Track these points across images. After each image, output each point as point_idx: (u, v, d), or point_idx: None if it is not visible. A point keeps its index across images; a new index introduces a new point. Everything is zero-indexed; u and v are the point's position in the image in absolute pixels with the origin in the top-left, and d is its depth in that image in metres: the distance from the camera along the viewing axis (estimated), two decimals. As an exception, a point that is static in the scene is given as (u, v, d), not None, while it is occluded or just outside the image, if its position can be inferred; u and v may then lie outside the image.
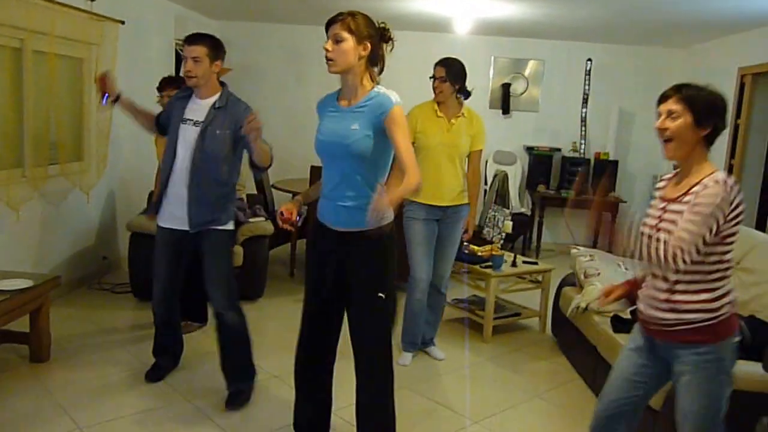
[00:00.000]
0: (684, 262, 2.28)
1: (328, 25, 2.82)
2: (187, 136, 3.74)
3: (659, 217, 2.53)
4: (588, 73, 8.77)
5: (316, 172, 6.16)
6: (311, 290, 3.19)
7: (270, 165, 3.77)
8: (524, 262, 5.62)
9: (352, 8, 2.91)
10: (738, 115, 7.03)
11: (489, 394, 4.33)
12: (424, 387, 4.33)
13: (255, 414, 3.81)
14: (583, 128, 8.83)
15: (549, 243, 9.06)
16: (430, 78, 4.49)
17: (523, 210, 8.50)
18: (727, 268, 2.46)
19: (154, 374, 4.19)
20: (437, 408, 4.06)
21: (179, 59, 7.63)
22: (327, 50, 2.80)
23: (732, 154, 7.07)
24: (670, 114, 2.44)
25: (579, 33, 8.07)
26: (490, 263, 5.18)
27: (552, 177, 8.81)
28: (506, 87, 8.80)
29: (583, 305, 4.51)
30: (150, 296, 5.54)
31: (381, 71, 2.97)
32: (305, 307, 3.24)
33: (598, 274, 4.77)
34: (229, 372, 3.98)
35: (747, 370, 3.11)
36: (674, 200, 2.49)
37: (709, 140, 2.46)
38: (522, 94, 8.95)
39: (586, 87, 8.79)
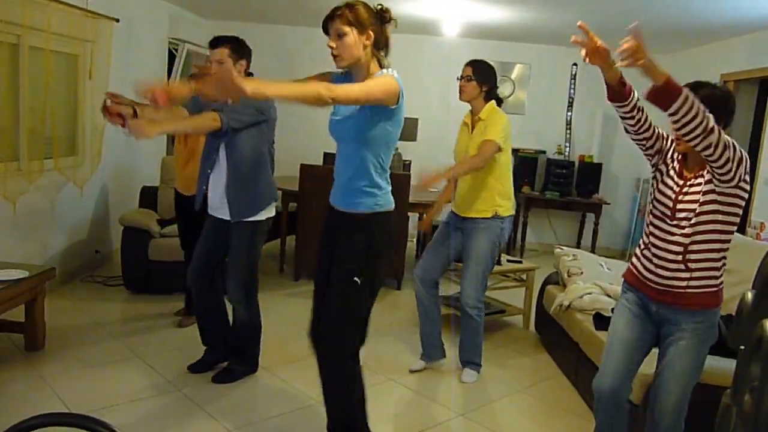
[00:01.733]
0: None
1: (327, 21, 2.82)
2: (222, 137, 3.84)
3: (678, 191, 2.69)
4: (573, 77, 8.90)
5: (306, 171, 6.27)
6: (317, 269, 3.23)
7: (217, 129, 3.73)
8: (509, 260, 5.75)
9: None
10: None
11: (473, 387, 4.42)
12: (410, 379, 4.42)
13: (244, 404, 3.89)
14: (568, 131, 8.97)
15: (533, 243, 9.22)
16: (458, 78, 4.37)
17: (508, 210, 8.58)
18: (730, 232, 2.66)
19: (195, 366, 4.24)
20: (422, 400, 4.16)
21: (172, 57, 7.72)
22: (331, 47, 2.81)
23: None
24: None
25: (565, 38, 8.17)
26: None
27: (537, 179, 8.95)
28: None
29: (566, 303, 4.61)
30: (142, 290, 5.66)
31: (387, 53, 2.97)
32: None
33: (581, 273, 4.89)
34: (224, 351, 4.19)
35: (719, 366, 3.22)
36: (692, 178, 2.67)
37: None
38: (508, 97, 9.08)
39: (572, 91, 8.92)
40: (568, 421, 4.02)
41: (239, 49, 3.83)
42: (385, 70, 2.90)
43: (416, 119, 7.75)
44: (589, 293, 4.52)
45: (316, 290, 3.23)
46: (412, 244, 8.12)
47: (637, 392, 3.36)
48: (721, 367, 3.22)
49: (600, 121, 8.88)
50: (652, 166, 2.86)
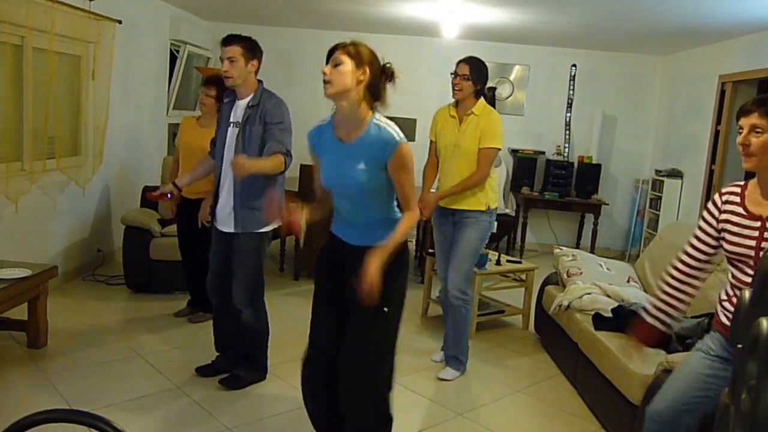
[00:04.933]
0: None
1: (330, 52, 2.76)
2: (231, 139, 3.84)
3: (759, 237, 2.44)
4: (572, 78, 8.92)
5: (306, 171, 6.27)
6: (323, 299, 3.04)
7: (283, 170, 3.83)
8: (508, 261, 5.78)
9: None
10: (719, 122, 7.19)
11: (472, 387, 4.45)
12: (410, 379, 4.44)
13: (244, 403, 3.91)
14: (567, 132, 8.99)
15: (532, 243, 9.25)
16: (451, 74, 4.37)
17: (507, 211, 8.62)
18: None
19: (204, 370, 4.22)
20: (422, 400, 4.18)
21: (174, 59, 7.74)
22: (324, 73, 2.70)
23: (713, 160, 7.24)
24: (753, 128, 2.41)
25: (564, 39, 8.22)
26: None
27: (536, 179, 8.96)
28: (492, 91, 8.92)
29: (565, 303, 4.62)
30: (143, 289, 5.69)
31: (382, 103, 2.85)
32: (312, 305, 3.08)
33: (581, 273, 4.91)
34: (233, 358, 4.15)
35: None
36: None
37: None
38: (507, 98, 9.11)
39: (571, 92, 8.94)
40: (567, 421, 4.04)
41: (252, 48, 3.82)
42: (378, 117, 2.80)
43: (414, 120, 7.77)
44: (589, 293, 4.54)
45: (320, 317, 3.03)
46: (411, 245, 8.14)
47: (637, 392, 3.40)
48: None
49: (599, 122, 8.90)
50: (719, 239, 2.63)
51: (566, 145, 9.00)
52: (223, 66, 3.77)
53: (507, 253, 7.53)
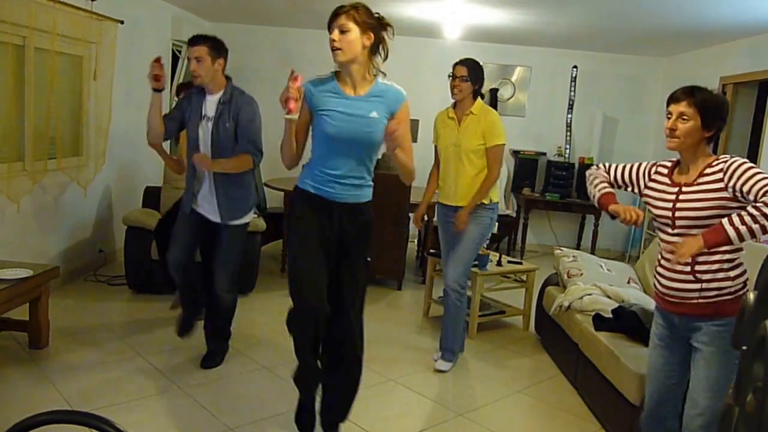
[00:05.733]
0: None
1: (333, 17, 2.96)
2: (205, 132, 4.03)
3: (675, 200, 2.72)
4: (573, 79, 8.93)
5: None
6: (318, 260, 3.16)
7: (252, 168, 4.16)
8: (509, 261, 5.78)
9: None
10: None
11: (473, 388, 4.46)
12: (410, 379, 4.45)
13: (246, 402, 3.93)
14: (568, 133, 9.00)
15: (533, 244, 9.25)
16: (449, 77, 4.48)
17: (508, 212, 8.63)
18: None
19: (183, 328, 4.47)
20: (422, 400, 4.18)
21: (176, 59, 7.75)
22: (334, 40, 2.94)
23: (713, 160, 7.23)
24: (681, 116, 2.66)
25: (565, 41, 8.23)
26: (476, 262, 5.24)
27: (537, 180, 8.99)
28: (494, 92, 8.96)
29: (565, 304, 4.63)
30: (145, 289, 5.69)
31: (385, 58, 3.12)
32: (299, 266, 3.21)
33: (581, 274, 4.92)
34: (210, 335, 4.48)
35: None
36: (690, 184, 2.70)
37: (712, 138, 2.72)
38: (509, 99, 9.12)
39: (572, 93, 8.95)
40: (567, 422, 4.05)
41: (218, 47, 4.01)
42: (384, 79, 3.12)
43: (417, 120, 7.77)
44: (589, 294, 4.55)
45: (316, 276, 3.16)
46: (413, 245, 8.14)
47: (637, 392, 3.40)
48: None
49: (600, 123, 8.91)
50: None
51: (567, 146, 9.00)
52: (191, 65, 3.98)
53: (508, 254, 7.53)
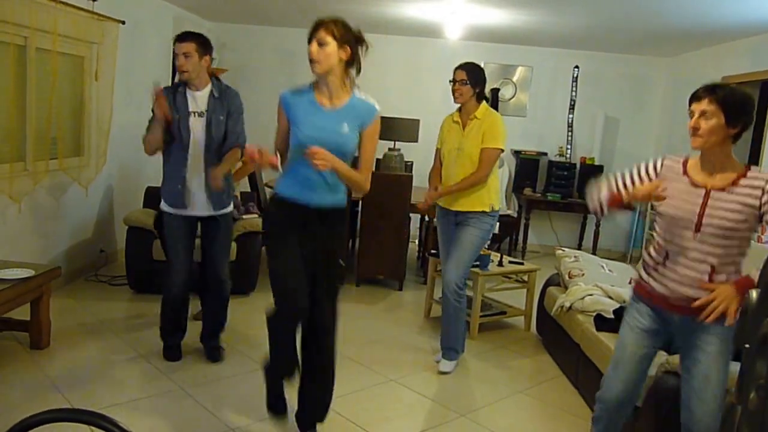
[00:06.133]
0: None
1: (313, 30, 3.06)
2: (196, 127, 4.08)
3: (703, 203, 2.64)
4: (575, 79, 8.93)
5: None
6: (299, 263, 3.24)
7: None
8: (510, 262, 5.77)
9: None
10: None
11: (474, 388, 4.46)
12: (410, 380, 4.45)
13: (246, 402, 3.92)
14: (570, 133, 8.99)
15: (534, 244, 9.25)
16: (450, 81, 4.49)
17: (509, 212, 8.62)
18: (750, 238, 2.66)
19: (172, 354, 4.47)
20: (423, 400, 4.18)
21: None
22: (312, 52, 3.05)
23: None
24: (703, 114, 2.60)
25: (567, 41, 8.22)
26: (477, 263, 5.26)
27: (538, 180, 8.99)
28: (495, 92, 8.94)
29: (567, 304, 4.63)
30: (146, 289, 5.69)
31: (358, 72, 3.21)
32: (280, 270, 3.28)
33: (582, 274, 4.92)
34: (210, 328, 4.55)
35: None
36: (721, 190, 2.63)
37: (737, 136, 2.64)
38: (510, 99, 9.11)
39: (573, 93, 8.95)
40: (569, 422, 4.04)
41: (204, 45, 4.11)
42: (358, 92, 3.22)
43: (418, 120, 7.78)
44: (591, 295, 4.55)
45: (299, 278, 3.23)
46: (413, 245, 8.15)
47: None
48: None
49: (601, 123, 8.90)
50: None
51: (568, 146, 9.00)
52: (178, 61, 4.05)
53: (509, 254, 7.52)
